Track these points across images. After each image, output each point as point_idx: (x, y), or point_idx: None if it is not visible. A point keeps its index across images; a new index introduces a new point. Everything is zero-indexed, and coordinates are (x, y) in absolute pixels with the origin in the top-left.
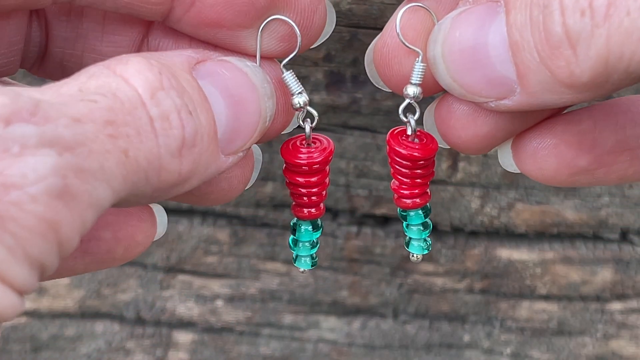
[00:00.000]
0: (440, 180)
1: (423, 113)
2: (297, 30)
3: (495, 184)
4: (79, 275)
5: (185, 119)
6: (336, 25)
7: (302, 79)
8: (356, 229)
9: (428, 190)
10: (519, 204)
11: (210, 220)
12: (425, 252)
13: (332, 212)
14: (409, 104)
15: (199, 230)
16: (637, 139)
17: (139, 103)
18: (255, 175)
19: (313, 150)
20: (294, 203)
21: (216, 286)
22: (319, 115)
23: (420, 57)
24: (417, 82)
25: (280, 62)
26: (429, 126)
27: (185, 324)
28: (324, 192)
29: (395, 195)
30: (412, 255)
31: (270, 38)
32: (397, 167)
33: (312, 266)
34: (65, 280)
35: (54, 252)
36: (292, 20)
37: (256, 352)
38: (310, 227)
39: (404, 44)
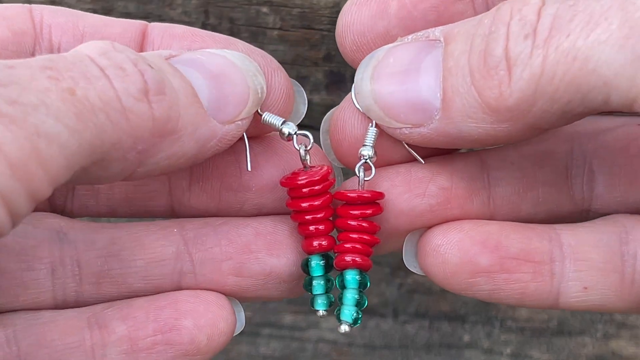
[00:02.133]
0: None
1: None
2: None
3: None
4: None
5: (143, 68)
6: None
7: (302, 79)
8: None
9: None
10: None
11: None
12: (357, 324)
13: None
14: (366, 162)
15: None
16: (542, 253)
17: (85, 57)
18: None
19: (311, 173)
20: (302, 240)
21: None
22: (319, 115)
23: (374, 122)
24: (370, 144)
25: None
26: (324, 145)
27: None
28: (330, 218)
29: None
30: (342, 326)
31: None
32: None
33: (328, 307)
34: None
35: (7, 175)
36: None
37: (256, 352)
38: (322, 261)
39: (358, 108)
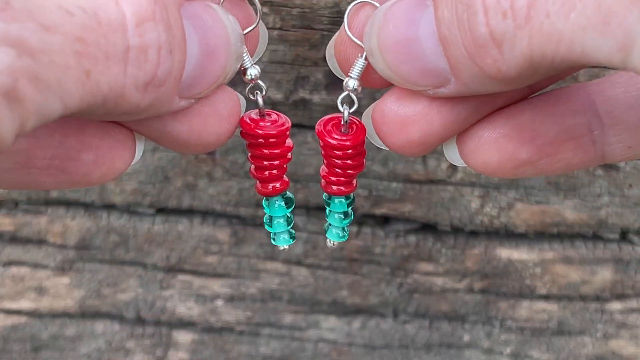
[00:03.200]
0: (440, 180)
1: (365, 105)
2: (258, 4)
3: (495, 183)
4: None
5: (163, 56)
6: (336, 25)
7: (302, 79)
8: (356, 228)
9: (354, 181)
10: (518, 204)
11: (210, 220)
12: (342, 239)
13: None
14: (347, 95)
15: (199, 230)
16: (580, 128)
17: (120, 28)
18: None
19: (269, 123)
20: (257, 182)
21: (216, 286)
22: (319, 115)
23: (364, 54)
24: (357, 76)
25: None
26: (368, 132)
27: (185, 324)
28: (285, 165)
29: (322, 181)
30: (329, 242)
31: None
32: (327, 155)
33: (292, 241)
34: (65, 280)
35: None
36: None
37: (256, 352)
38: (283, 202)
39: (351, 39)
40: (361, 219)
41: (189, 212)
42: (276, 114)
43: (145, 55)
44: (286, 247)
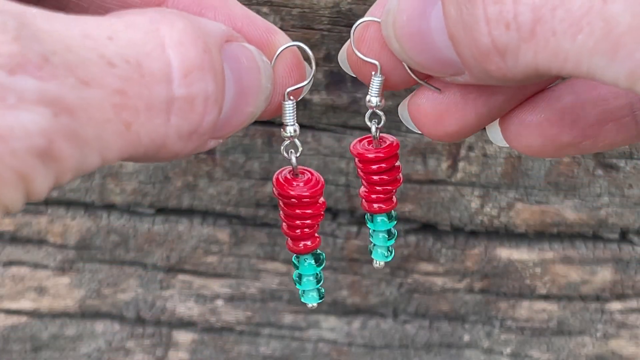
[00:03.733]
0: (440, 180)
1: (396, 111)
2: (311, 54)
3: (495, 184)
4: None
5: (210, 106)
6: (336, 25)
7: None
8: (356, 229)
9: (394, 197)
10: (518, 204)
11: (210, 220)
12: (387, 260)
13: (332, 212)
14: (373, 112)
15: (199, 230)
16: (622, 109)
17: (164, 79)
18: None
19: (302, 183)
20: (287, 239)
21: (216, 286)
22: (319, 115)
23: (378, 70)
24: (376, 94)
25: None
26: (404, 119)
27: (185, 324)
28: (316, 225)
29: (363, 201)
30: (375, 262)
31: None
32: (363, 172)
33: (320, 300)
34: (65, 280)
35: (20, 201)
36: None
37: (256, 351)
38: (313, 260)
39: (360, 57)
40: (361, 219)
41: (189, 212)
42: (309, 172)
43: (191, 106)
44: (315, 305)
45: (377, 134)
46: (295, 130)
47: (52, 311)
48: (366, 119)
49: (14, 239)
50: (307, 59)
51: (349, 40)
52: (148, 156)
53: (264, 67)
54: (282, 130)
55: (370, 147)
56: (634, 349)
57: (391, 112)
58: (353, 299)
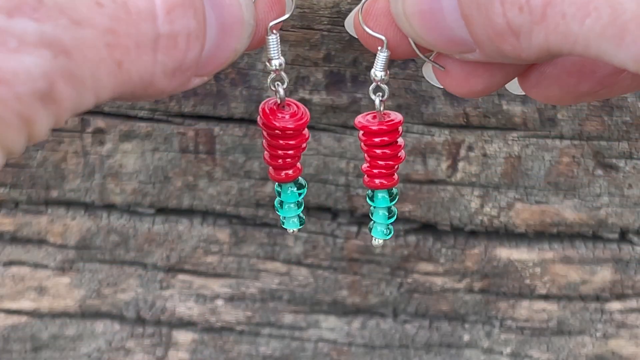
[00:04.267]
0: (440, 180)
1: (391, 92)
2: None
3: (495, 183)
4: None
5: (192, 42)
6: (336, 25)
7: (302, 79)
8: (356, 229)
9: (396, 175)
10: (518, 204)
11: (210, 220)
12: (387, 237)
13: (332, 212)
14: (377, 86)
15: (199, 230)
16: None
17: (149, 17)
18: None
19: (287, 116)
20: (270, 169)
21: (216, 286)
22: (319, 115)
23: (384, 45)
24: (382, 68)
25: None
26: (428, 77)
27: (185, 324)
28: (299, 154)
29: (365, 176)
30: (374, 240)
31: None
32: (365, 145)
33: (300, 225)
34: (65, 280)
35: (23, 143)
36: None
37: (256, 351)
38: (295, 187)
39: (367, 32)
40: (361, 219)
41: (189, 212)
42: (296, 105)
43: (175, 42)
44: (295, 230)
45: (382, 107)
46: (281, 64)
47: (52, 311)
48: (370, 92)
49: (14, 239)
50: None
51: (358, 7)
52: (136, 94)
53: (245, 3)
54: (267, 64)
55: (374, 120)
56: (634, 349)
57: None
58: (353, 299)
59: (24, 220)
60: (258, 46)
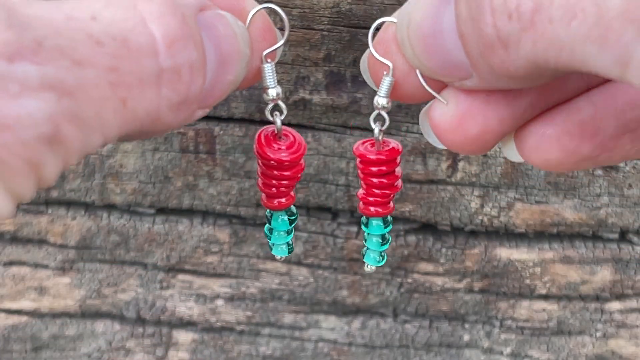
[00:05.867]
0: (440, 180)
1: (396, 111)
2: (282, 12)
3: (495, 183)
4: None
5: (195, 74)
6: (336, 25)
7: (302, 79)
8: (356, 229)
9: (391, 203)
10: (518, 204)
11: (210, 220)
12: (380, 264)
13: (332, 212)
14: (379, 114)
15: (199, 229)
16: (637, 121)
17: (150, 52)
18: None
19: (284, 147)
20: (262, 194)
21: (216, 286)
22: (319, 115)
23: (390, 70)
24: (385, 94)
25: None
26: (424, 131)
27: (185, 324)
28: (294, 183)
29: (360, 203)
30: (367, 266)
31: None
32: (362, 173)
33: (288, 253)
34: (65, 280)
35: (32, 188)
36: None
37: (256, 351)
38: (286, 216)
39: (375, 57)
40: (361, 219)
41: (189, 212)
42: (292, 136)
43: (178, 76)
44: (282, 257)
45: (380, 137)
46: (277, 93)
47: (53, 311)
48: (371, 121)
49: (14, 239)
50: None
51: (367, 50)
52: (143, 131)
53: (240, 32)
54: (263, 94)
55: (372, 148)
56: (634, 349)
57: (391, 112)
58: (353, 298)
59: (24, 220)
60: (254, 80)
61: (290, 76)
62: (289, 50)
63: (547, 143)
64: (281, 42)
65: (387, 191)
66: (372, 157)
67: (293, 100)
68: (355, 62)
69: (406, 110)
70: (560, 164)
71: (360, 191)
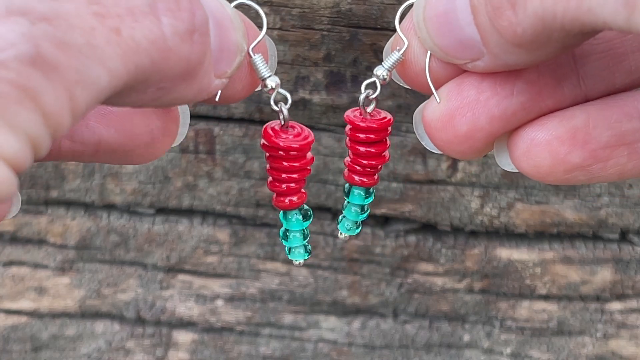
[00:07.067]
0: (440, 180)
1: (391, 93)
2: (260, 10)
3: (495, 183)
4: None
5: (195, 4)
6: (336, 25)
7: (302, 79)
8: None
9: (377, 175)
10: (518, 204)
11: (210, 220)
12: (351, 233)
13: (332, 212)
14: (373, 81)
15: (199, 230)
16: (634, 133)
17: None
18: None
19: (292, 136)
20: (273, 195)
21: (216, 286)
22: (319, 115)
23: (404, 47)
24: (388, 67)
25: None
26: (419, 133)
27: (185, 324)
28: (304, 179)
29: (345, 170)
30: (339, 233)
31: None
32: (351, 141)
33: (307, 256)
34: (65, 280)
35: (39, 123)
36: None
37: (256, 352)
38: (300, 215)
39: (397, 32)
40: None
41: (189, 212)
42: (299, 127)
43: (176, 4)
44: (301, 261)
45: (372, 106)
46: (277, 83)
47: (52, 311)
48: (362, 86)
49: (14, 239)
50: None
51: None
52: (160, 67)
53: (228, 6)
54: (262, 86)
55: (362, 123)
56: (634, 349)
57: (391, 112)
58: (353, 299)
59: (23, 220)
60: (253, 87)
61: (290, 76)
62: (289, 50)
63: (538, 148)
64: (263, 32)
65: (374, 161)
66: (363, 124)
67: (293, 100)
68: (356, 62)
69: (406, 111)
70: (551, 172)
71: (347, 159)
